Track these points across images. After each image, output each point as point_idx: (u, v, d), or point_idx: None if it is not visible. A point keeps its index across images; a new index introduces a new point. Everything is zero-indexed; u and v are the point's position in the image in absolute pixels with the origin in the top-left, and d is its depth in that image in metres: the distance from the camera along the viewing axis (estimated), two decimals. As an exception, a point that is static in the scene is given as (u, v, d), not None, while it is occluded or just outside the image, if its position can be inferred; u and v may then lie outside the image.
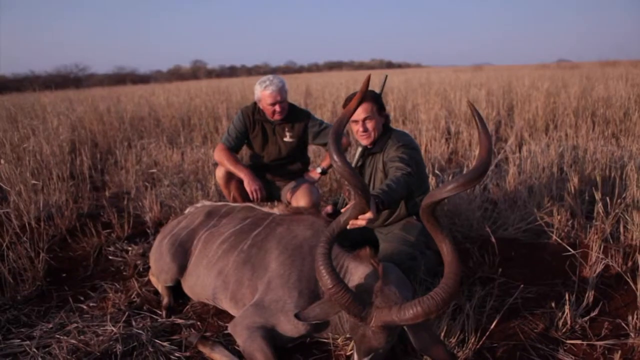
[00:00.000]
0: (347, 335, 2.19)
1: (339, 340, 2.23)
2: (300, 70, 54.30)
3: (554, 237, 3.18)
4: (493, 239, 2.80)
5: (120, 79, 33.82)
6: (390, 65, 62.40)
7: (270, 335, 2.12)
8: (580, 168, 4.40)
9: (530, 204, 3.71)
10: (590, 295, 2.46)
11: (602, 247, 2.79)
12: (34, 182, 3.98)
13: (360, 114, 2.57)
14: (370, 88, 2.72)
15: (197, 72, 50.15)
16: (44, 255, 3.08)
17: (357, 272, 2.11)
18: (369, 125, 2.60)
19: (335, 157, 1.77)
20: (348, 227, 1.92)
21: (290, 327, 2.13)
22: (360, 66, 57.73)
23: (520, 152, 4.85)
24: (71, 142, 6.37)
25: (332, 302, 1.84)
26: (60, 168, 4.65)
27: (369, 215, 1.91)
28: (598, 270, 2.68)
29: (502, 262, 2.86)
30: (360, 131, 2.62)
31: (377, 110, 2.61)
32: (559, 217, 3.33)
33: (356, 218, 1.91)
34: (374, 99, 2.60)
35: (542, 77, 13.15)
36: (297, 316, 1.94)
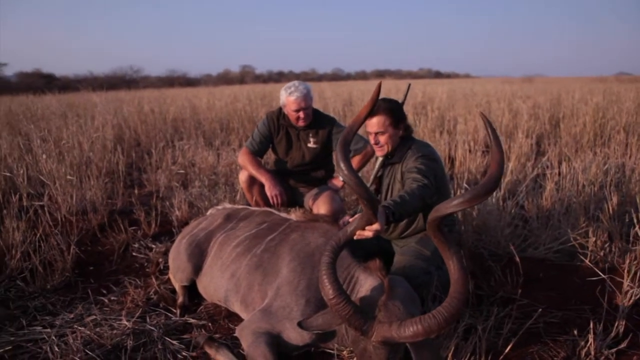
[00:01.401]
0: (352, 348, 2.14)
1: (344, 352, 2.19)
2: (347, 77, 54.28)
3: (587, 260, 2.98)
4: (517, 258, 2.66)
5: (171, 82, 35.13)
6: (438, 74, 61.20)
7: (275, 342, 2.11)
8: (625, 188, 4.12)
9: (565, 223, 3.50)
10: (620, 325, 2.28)
11: (638, 273, 2.59)
12: (69, 177, 4.18)
13: (372, 126, 2.54)
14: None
15: (245, 76, 51.15)
16: (74, 248, 3.23)
17: (365, 284, 2.07)
18: (381, 138, 2.56)
19: (342, 165, 1.74)
20: (355, 237, 1.88)
21: (295, 335, 2.10)
22: (408, 75, 57.10)
23: (560, 168, 4.60)
24: (114, 141, 6.65)
25: (334, 313, 1.81)
26: (98, 165, 4.85)
27: (376, 226, 1.87)
28: (632, 298, 2.48)
29: (528, 283, 2.71)
30: (373, 143, 2.60)
31: (391, 124, 2.54)
32: (594, 239, 3.12)
33: (363, 229, 1.87)
34: (388, 112, 2.52)
35: (594, 90, 12.51)
36: (300, 324, 1.92)
